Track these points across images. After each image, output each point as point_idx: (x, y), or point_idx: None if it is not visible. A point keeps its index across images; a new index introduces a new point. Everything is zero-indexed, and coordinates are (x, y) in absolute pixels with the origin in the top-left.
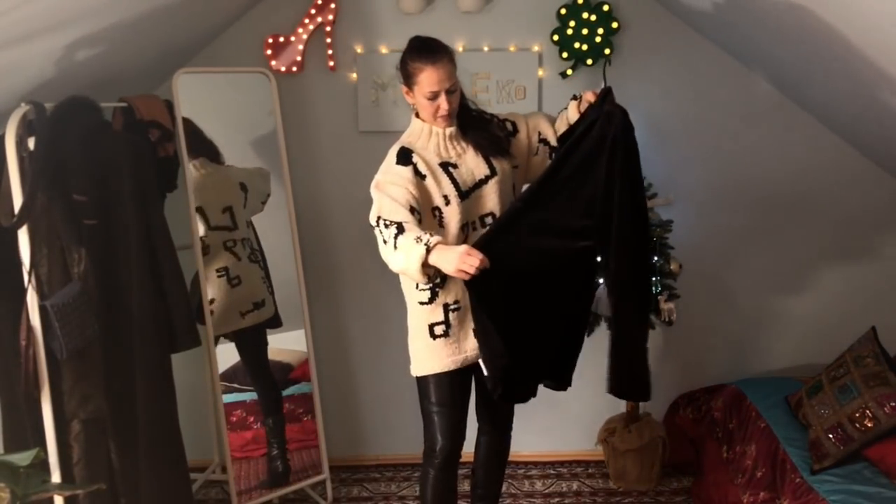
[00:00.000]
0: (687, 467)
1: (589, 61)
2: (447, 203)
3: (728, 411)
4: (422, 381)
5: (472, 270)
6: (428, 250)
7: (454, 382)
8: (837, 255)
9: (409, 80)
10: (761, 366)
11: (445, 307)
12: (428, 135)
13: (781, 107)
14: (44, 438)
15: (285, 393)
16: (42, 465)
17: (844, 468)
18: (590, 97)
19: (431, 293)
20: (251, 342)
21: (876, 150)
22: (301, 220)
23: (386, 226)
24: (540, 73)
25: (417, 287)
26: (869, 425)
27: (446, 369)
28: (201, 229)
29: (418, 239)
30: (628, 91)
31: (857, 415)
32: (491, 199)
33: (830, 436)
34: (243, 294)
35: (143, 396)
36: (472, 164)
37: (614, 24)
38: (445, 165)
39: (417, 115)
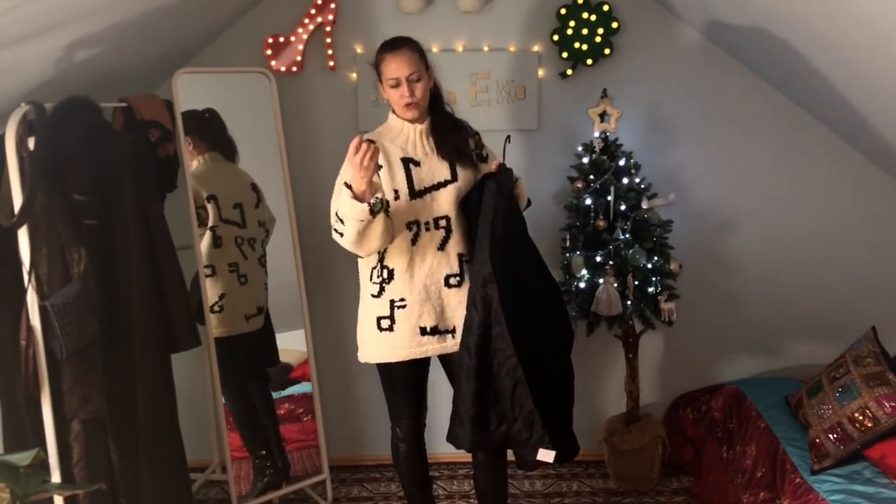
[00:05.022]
0: (687, 467)
1: (589, 61)
2: (396, 198)
3: (728, 411)
4: (382, 369)
5: (355, 162)
6: (348, 186)
7: (408, 371)
8: (837, 255)
9: (378, 72)
10: (761, 366)
11: (391, 303)
12: (400, 128)
13: (781, 107)
14: (44, 438)
15: (285, 393)
16: (42, 465)
17: (844, 468)
18: (493, 165)
19: (380, 287)
20: (252, 347)
21: (875, 150)
22: (301, 221)
23: (339, 220)
24: (540, 73)
25: (371, 279)
26: (869, 425)
27: (391, 360)
28: (212, 218)
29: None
30: (628, 91)
31: (857, 415)
32: (446, 203)
33: (830, 436)
34: (249, 295)
35: (143, 396)
36: (436, 167)
37: (614, 24)
38: (407, 161)
39: (394, 112)
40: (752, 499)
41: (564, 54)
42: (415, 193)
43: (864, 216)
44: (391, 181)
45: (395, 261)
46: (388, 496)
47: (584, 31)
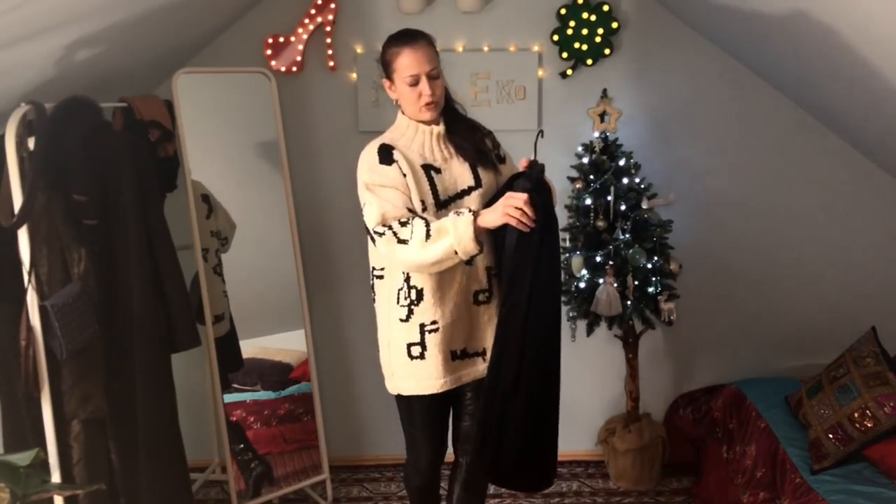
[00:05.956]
0: (687, 467)
1: (589, 61)
2: (423, 209)
3: (728, 411)
4: (402, 401)
5: (516, 213)
6: (475, 215)
7: (435, 405)
8: (837, 255)
9: (388, 68)
10: (761, 366)
11: (421, 327)
12: (413, 132)
13: (781, 107)
14: (44, 438)
15: (285, 393)
16: (42, 465)
17: (844, 468)
18: (522, 164)
19: (408, 310)
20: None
21: (875, 150)
22: (301, 220)
23: (403, 224)
24: (540, 73)
25: (398, 302)
26: (869, 425)
27: (425, 392)
28: None
29: (457, 212)
30: (628, 91)
31: (857, 415)
32: None
33: (830, 436)
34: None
35: (143, 396)
36: (458, 172)
37: (614, 24)
38: (428, 168)
39: (403, 113)
40: (752, 499)
41: (564, 54)
42: (440, 203)
43: (865, 216)
44: (417, 192)
45: (424, 279)
46: (388, 496)
47: (584, 31)
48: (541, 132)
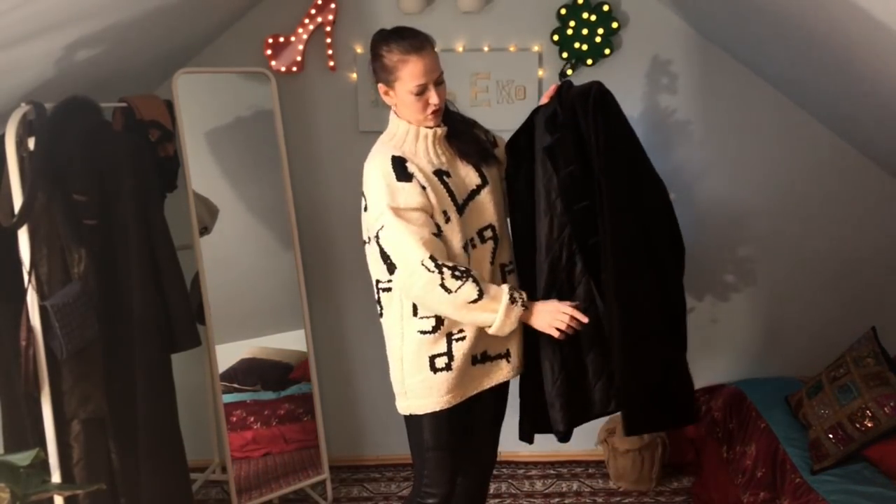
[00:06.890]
0: (687, 467)
1: (589, 61)
2: (447, 220)
3: (728, 411)
4: (414, 420)
5: (564, 326)
6: (525, 308)
7: (453, 420)
8: (837, 255)
9: (389, 76)
10: (761, 366)
11: (449, 336)
12: (415, 138)
13: (781, 107)
14: (44, 438)
15: (285, 393)
16: (42, 465)
17: (844, 468)
18: (544, 99)
19: (436, 321)
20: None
21: (876, 150)
22: (301, 220)
23: (456, 276)
24: (540, 73)
25: (417, 315)
26: (869, 425)
27: (444, 406)
28: None
29: (513, 299)
30: (628, 91)
31: (857, 415)
32: (487, 210)
33: (830, 436)
34: None
35: (143, 396)
36: (463, 172)
37: (614, 24)
38: (439, 174)
39: (398, 115)
40: (752, 499)
41: (564, 54)
42: (460, 208)
43: (865, 216)
44: (438, 203)
45: None
46: (388, 496)
47: (584, 31)
48: (570, 62)
